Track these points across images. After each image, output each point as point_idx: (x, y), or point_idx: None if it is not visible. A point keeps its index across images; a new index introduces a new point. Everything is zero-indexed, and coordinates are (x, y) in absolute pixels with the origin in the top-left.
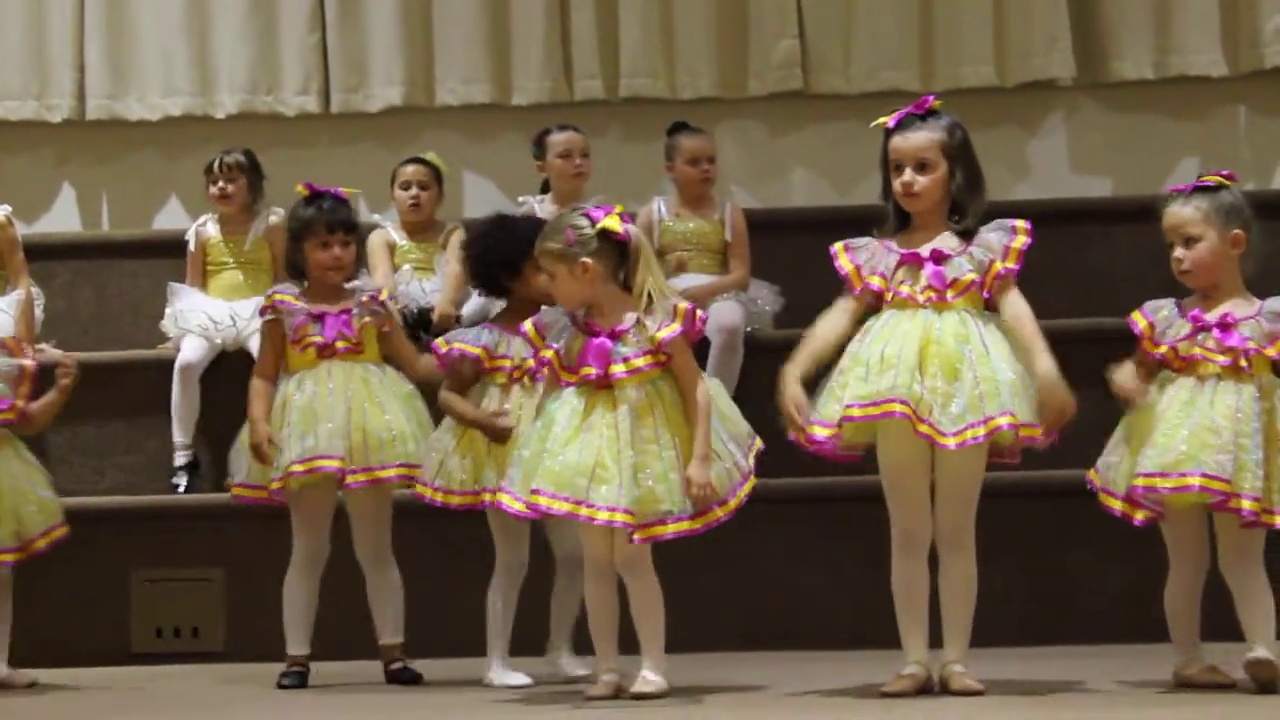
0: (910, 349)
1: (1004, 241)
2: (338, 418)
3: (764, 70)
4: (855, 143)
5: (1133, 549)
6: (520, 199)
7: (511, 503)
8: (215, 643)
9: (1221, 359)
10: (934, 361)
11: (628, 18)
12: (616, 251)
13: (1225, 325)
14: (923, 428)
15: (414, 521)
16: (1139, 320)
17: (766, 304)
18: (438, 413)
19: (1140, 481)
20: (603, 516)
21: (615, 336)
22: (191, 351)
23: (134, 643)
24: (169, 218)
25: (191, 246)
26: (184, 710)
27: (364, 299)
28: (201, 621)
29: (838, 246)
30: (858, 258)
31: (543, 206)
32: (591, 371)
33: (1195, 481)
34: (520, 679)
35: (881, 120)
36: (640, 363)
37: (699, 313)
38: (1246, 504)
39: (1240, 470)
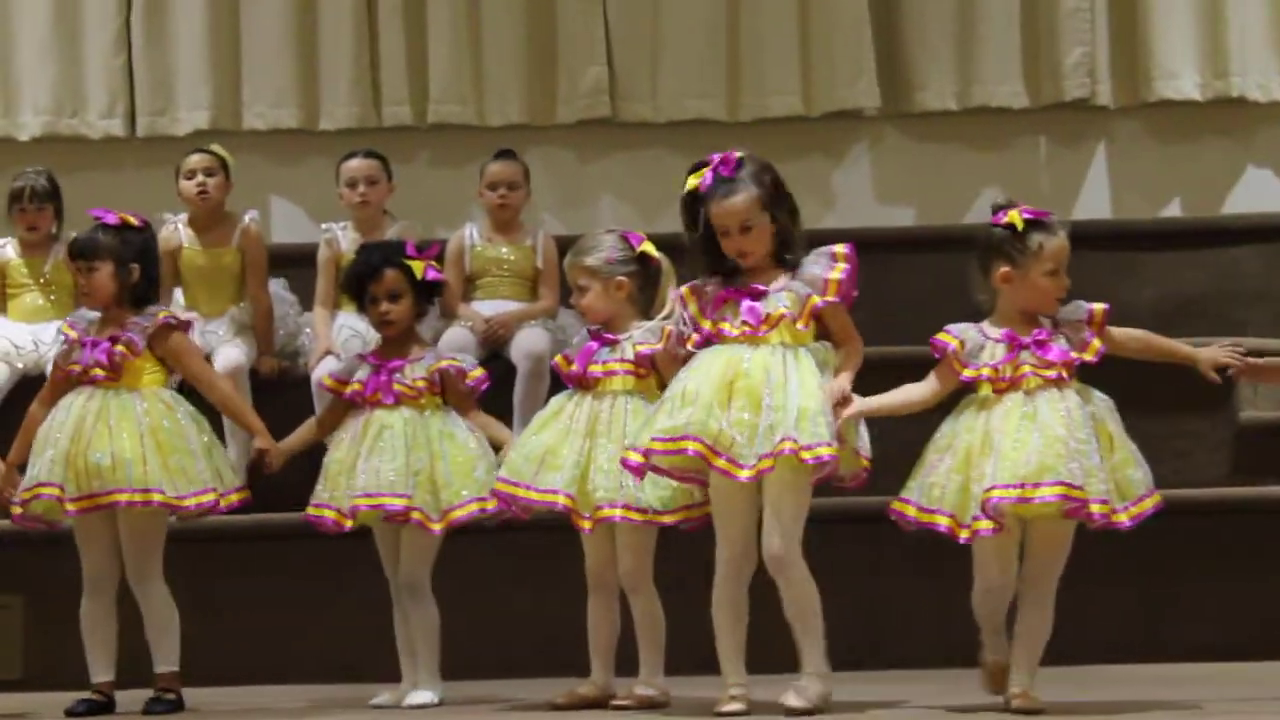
0: (710, 386)
1: (823, 274)
2: (61, 444)
3: (572, 97)
4: (662, 170)
5: (940, 571)
6: (324, 226)
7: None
8: (13, 670)
9: (1049, 372)
10: (741, 395)
11: (436, 44)
12: (646, 273)
13: (1040, 342)
14: (719, 462)
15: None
16: (948, 339)
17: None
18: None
19: (997, 494)
20: (539, 498)
21: (605, 343)
22: None
23: None
24: None
25: None
26: None
27: (130, 322)
28: None
29: (684, 291)
30: (701, 302)
31: (345, 234)
32: (575, 368)
33: (1055, 491)
34: None
35: (691, 184)
36: (616, 367)
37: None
38: (1095, 508)
39: (1088, 476)
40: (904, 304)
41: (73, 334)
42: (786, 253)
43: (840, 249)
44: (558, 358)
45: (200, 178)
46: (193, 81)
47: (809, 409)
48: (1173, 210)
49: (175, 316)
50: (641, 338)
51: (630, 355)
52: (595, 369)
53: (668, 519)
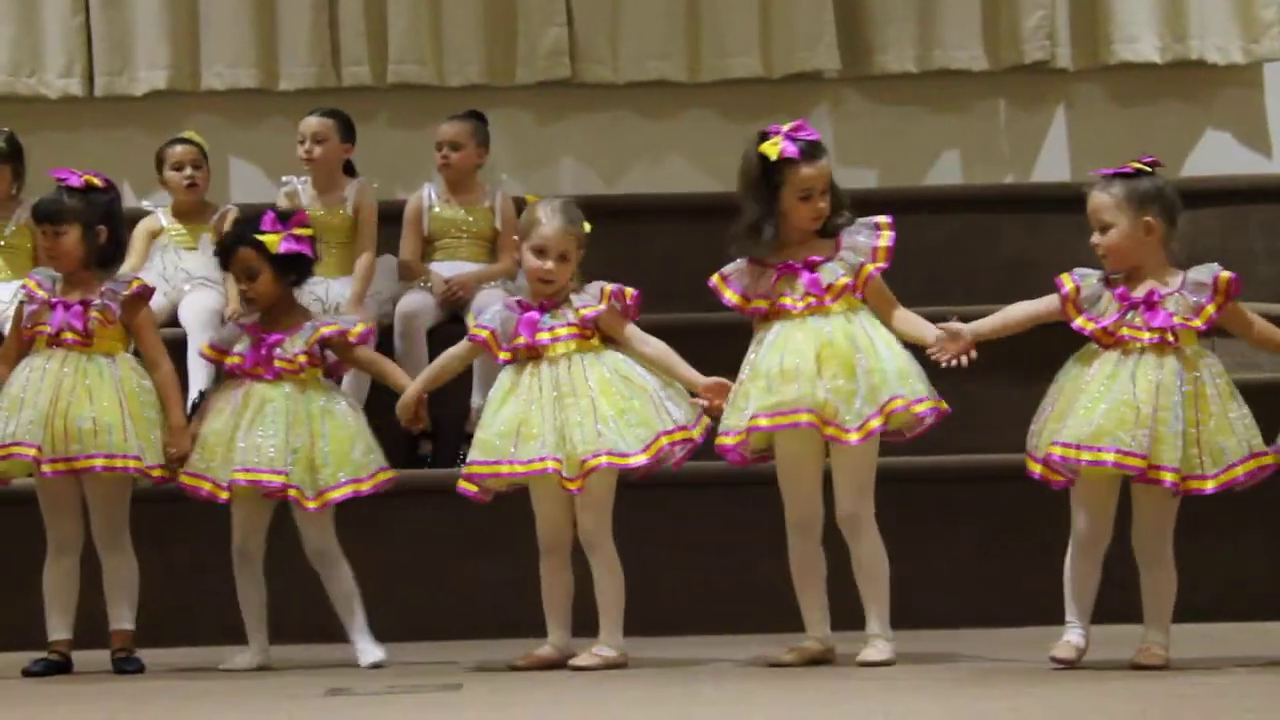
0: (808, 358)
1: (871, 243)
2: (40, 406)
3: (532, 58)
4: (622, 132)
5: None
6: (284, 179)
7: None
8: None
9: (1148, 336)
10: (832, 363)
11: (396, 4)
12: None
13: (1150, 303)
14: (829, 430)
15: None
16: (1067, 282)
17: None
18: None
19: (1057, 450)
20: (526, 470)
21: (545, 310)
22: None
23: None
24: None
25: None
26: None
27: (104, 289)
28: None
29: (716, 280)
30: (738, 285)
31: (305, 189)
32: (522, 341)
33: (1110, 456)
34: None
35: (771, 147)
36: (564, 332)
37: (629, 291)
38: (1167, 475)
39: (1158, 443)
40: None
41: (41, 293)
42: (839, 218)
43: (883, 219)
44: (484, 334)
45: (189, 171)
46: (151, 41)
47: (904, 368)
48: None
49: (146, 285)
50: (583, 301)
51: (575, 319)
52: (543, 336)
53: (645, 457)
